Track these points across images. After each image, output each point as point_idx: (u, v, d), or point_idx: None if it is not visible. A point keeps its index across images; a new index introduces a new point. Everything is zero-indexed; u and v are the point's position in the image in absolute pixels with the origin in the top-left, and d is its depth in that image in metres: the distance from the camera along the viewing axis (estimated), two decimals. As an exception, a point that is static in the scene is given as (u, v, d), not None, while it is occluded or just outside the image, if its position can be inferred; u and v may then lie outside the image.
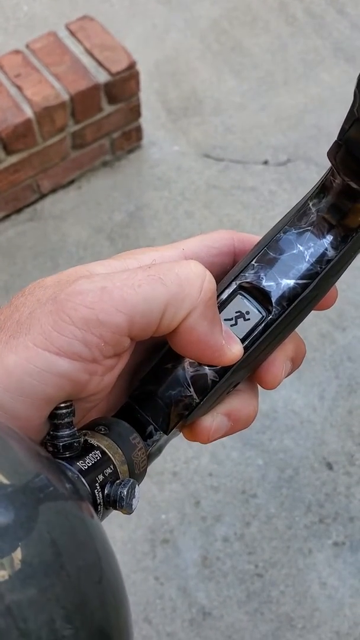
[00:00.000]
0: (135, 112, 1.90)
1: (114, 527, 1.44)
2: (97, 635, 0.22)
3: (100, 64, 1.77)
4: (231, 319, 0.35)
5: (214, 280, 0.32)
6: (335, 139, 0.32)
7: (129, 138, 1.96)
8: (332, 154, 0.32)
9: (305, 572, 1.39)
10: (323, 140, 2.00)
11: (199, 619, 1.35)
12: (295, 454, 1.51)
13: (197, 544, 1.42)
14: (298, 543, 1.42)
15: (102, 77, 1.76)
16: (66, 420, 0.30)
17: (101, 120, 1.84)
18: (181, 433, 0.37)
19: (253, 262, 0.35)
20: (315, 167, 1.95)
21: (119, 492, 0.30)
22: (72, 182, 1.94)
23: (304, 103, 2.10)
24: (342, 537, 1.42)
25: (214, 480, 1.49)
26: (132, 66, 1.78)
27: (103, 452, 0.31)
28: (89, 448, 0.31)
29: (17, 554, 0.20)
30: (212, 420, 0.36)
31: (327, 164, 0.33)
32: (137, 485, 0.30)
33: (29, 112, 1.69)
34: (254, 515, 1.45)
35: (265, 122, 2.06)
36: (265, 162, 1.98)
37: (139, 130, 1.96)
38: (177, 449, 1.51)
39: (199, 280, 0.31)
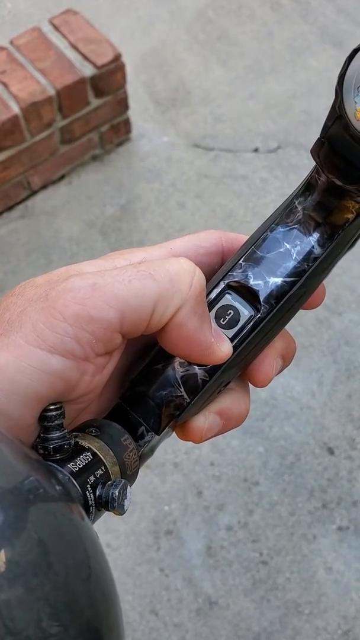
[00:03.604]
0: (122, 104, 1.90)
1: (117, 520, 1.45)
2: (87, 633, 0.22)
3: (85, 57, 1.76)
4: (220, 318, 0.35)
5: (203, 276, 0.32)
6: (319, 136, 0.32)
7: (118, 131, 1.95)
8: (316, 151, 0.32)
9: (310, 557, 1.40)
10: (313, 125, 2.00)
11: (205, 608, 1.36)
12: (296, 440, 1.52)
13: (200, 534, 1.43)
14: (302, 529, 1.43)
15: (88, 71, 1.75)
16: (56, 422, 0.30)
17: (89, 114, 1.83)
18: (174, 433, 0.37)
19: (241, 261, 0.35)
20: (306, 153, 1.95)
21: (110, 493, 0.30)
22: (62, 177, 1.94)
23: (292, 89, 2.09)
24: (346, 522, 1.43)
25: (215, 470, 1.49)
26: (117, 58, 1.77)
27: (94, 454, 0.31)
28: (79, 450, 0.31)
29: (4, 554, 0.20)
30: (204, 419, 0.36)
31: None
32: (128, 486, 0.31)
33: (15, 109, 1.68)
34: (256, 503, 1.46)
35: (254, 109, 2.06)
36: (256, 150, 1.97)
37: (127, 122, 1.96)
38: (177, 440, 1.51)
39: (188, 276, 0.31)
